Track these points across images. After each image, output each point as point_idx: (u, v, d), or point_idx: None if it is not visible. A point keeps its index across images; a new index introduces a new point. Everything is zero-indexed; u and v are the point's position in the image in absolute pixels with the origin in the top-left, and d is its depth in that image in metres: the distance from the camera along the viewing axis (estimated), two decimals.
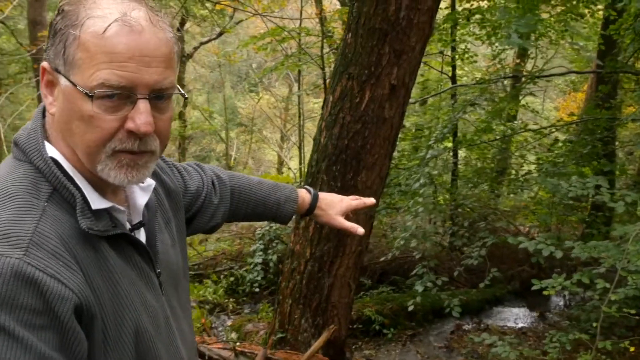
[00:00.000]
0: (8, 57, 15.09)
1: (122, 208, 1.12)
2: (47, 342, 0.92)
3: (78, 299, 0.95)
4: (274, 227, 7.30)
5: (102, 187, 1.10)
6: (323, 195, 1.81)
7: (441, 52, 8.81)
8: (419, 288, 5.39)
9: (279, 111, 25.65)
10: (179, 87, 1.12)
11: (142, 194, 1.22)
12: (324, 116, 4.32)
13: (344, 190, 4.24)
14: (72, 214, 1.03)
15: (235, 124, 27.89)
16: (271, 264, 7.12)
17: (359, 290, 7.25)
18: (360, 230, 1.80)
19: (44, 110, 1.13)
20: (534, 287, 4.04)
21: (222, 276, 7.37)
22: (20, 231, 0.94)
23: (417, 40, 3.93)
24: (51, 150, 1.08)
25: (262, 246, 7.25)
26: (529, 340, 6.53)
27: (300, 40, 10.87)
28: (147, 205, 1.24)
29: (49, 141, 1.10)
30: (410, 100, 4.86)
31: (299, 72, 14.55)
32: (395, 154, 7.69)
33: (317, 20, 11.17)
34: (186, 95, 1.18)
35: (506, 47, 5.75)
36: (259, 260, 7.14)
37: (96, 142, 1.03)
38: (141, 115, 1.02)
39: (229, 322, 6.20)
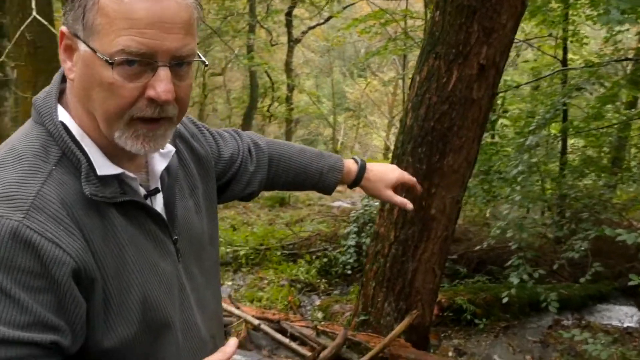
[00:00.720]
0: None
1: (132, 175, 1.10)
2: (44, 304, 0.94)
3: (76, 263, 0.96)
4: (368, 210, 7.26)
5: (116, 153, 1.09)
6: (372, 166, 1.76)
7: (550, 35, 8.37)
8: (514, 280, 5.18)
9: (387, 96, 25.51)
10: (203, 58, 1.10)
11: (161, 160, 1.21)
12: (411, 97, 4.23)
13: (430, 173, 4.16)
14: (79, 179, 1.03)
15: (343, 108, 28.03)
16: (364, 247, 7.10)
17: (453, 278, 7.10)
18: (409, 205, 1.74)
19: (63, 75, 1.12)
20: (630, 282, 3.78)
21: (314, 257, 7.43)
22: (23, 194, 0.96)
23: (508, 18, 3.75)
24: (62, 115, 1.08)
25: (356, 229, 7.23)
26: (635, 342, 6.14)
27: (406, 22, 10.72)
28: (167, 170, 1.23)
29: (64, 106, 1.10)
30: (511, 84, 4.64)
31: (404, 56, 14.37)
32: (497, 139, 7.43)
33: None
34: (207, 62, 1.15)
35: (610, 25, 5.36)
36: (353, 242, 7.13)
37: (116, 109, 1.02)
38: (162, 83, 1.01)
39: (317, 302, 6.25)
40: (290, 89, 19.57)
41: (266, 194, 14.02)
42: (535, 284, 6.00)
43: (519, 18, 3.84)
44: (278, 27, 20.40)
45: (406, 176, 1.81)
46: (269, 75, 19.05)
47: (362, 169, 1.73)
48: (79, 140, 1.06)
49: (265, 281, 6.85)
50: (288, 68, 19.18)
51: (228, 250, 7.72)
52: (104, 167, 1.06)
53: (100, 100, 1.02)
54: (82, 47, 1.02)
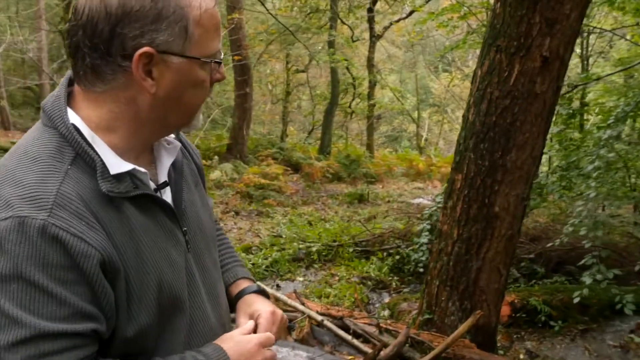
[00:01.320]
0: None
1: (143, 170, 1.17)
2: (80, 295, 1.01)
3: (101, 255, 1.03)
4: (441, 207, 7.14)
5: (125, 151, 1.16)
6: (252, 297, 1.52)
7: (638, 24, 7.95)
8: (587, 279, 4.96)
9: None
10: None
11: (167, 155, 1.28)
12: (472, 91, 4.12)
13: (492, 170, 4.05)
14: (94, 177, 1.10)
15: (427, 104, 27.68)
16: None
17: (530, 278, 6.88)
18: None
19: (70, 79, 1.19)
20: None
21: (387, 254, 7.39)
22: (45, 193, 1.02)
23: (572, 8, 3.58)
24: (73, 117, 1.14)
25: (428, 226, 7.13)
26: None
27: (487, 15, 10.44)
28: (174, 165, 1.30)
29: (74, 108, 1.16)
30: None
31: None
32: (576, 134, 7.13)
33: None
34: None
35: None
36: (425, 240, 7.04)
37: (204, 98, 1.21)
38: (222, 66, 1.22)
39: (386, 300, 6.21)
40: (372, 85, 19.51)
41: (345, 189, 14.06)
42: (616, 285, 5.72)
43: (584, 8, 3.67)
44: (360, 22, 20.37)
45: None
46: (350, 72, 19.05)
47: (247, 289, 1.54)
48: (90, 141, 1.12)
49: (336, 278, 6.87)
50: (370, 64, 19.14)
51: (301, 246, 7.80)
52: (116, 164, 1.13)
53: (194, 97, 1.18)
54: (174, 60, 1.11)
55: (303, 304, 4.98)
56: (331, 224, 9.54)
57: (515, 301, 5.87)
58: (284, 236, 8.55)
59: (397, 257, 7.21)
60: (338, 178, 15.54)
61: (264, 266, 7.10)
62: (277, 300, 5.10)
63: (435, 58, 21.22)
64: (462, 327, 4.30)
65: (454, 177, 4.34)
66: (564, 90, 7.01)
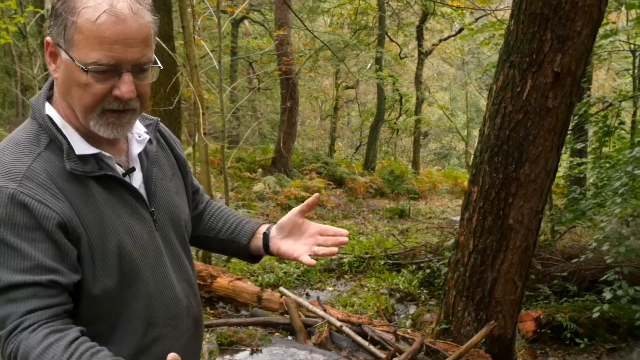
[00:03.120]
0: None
1: (108, 154, 1.38)
2: (41, 251, 1.24)
3: (61, 218, 1.26)
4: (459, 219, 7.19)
5: (96, 138, 1.37)
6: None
7: None
8: (607, 295, 4.96)
9: None
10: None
11: (137, 145, 1.50)
12: (488, 106, 4.23)
13: (506, 182, 4.14)
14: (63, 159, 1.32)
15: (477, 122, 27.48)
16: None
17: (562, 296, 6.84)
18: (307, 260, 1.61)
19: (52, 81, 1.43)
20: None
21: (416, 267, 7.46)
22: (17, 168, 1.27)
23: (583, 25, 3.67)
24: (49, 110, 1.38)
25: None
26: None
27: None
28: (146, 154, 1.51)
29: (51, 102, 1.40)
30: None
31: None
32: (606, 149, 7.09)
33: None
34: (161, 67, 1.42)
35: None
36: None
37: (90, 104, 1.32)
38: (125, 85, 1.30)
39: (411, 311, 6.29)
40: (419, 101, 19.57)
41: (388, 205, 14.13)
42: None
43: (595, 25, 3.74)
44: (409, 40, 20.48)
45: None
46: (396, 88, 19.16)
47: (270, 227, 1.73)
48: (61, 129, 1.35)
49: (365, 289, 6.98)
50: (417, 80, 19.21)
51: (333, 257, 7.94)
52: (82, 148, 1.35)
53: (78, 97, 1.31)
54: (63, 54, 1.31)
55: (325, 310, 5.13)
56: (367, 238, 9.65)
57: (541, 317, 5.86)
58: None
59: (428, 270, 7.27)
60: (381, 193, 15.63)
61: (295, 275, 7.27)
62: (299, 306, 5.27)
63: (476, 76, 21.06)
64: (476, 337, 4.37)
65: (470, 189, 4.44)
66: (599, 107, 6.99)
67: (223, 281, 5.96)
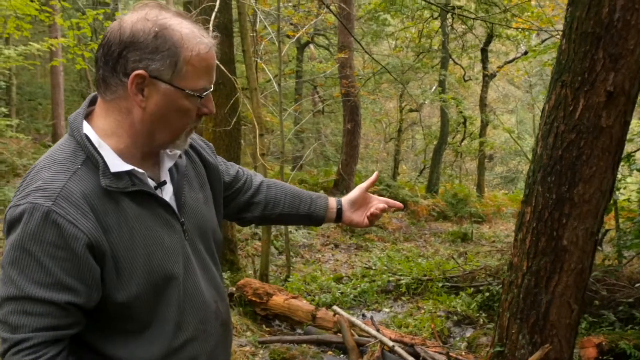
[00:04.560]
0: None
1: (141, 171, 1.48)
2: (64, 269, 1.34)
3: (89, 239, 1.35)
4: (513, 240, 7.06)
5: (127, 154, 1.47)
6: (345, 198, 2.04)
7: None
8: None
9: None
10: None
11: (168, 160, 1.60)
12: (541, 125, 4.20)
13: (560, 203, 4.08)
14: (98, 175, 1.42)
15: None
16: None
17: (628, 323, 6.61)
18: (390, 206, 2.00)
19: (91, 100, 1.54)
20: None
21: (475, 290, 7.36)
22: (54, 187, 1.36)
23: (636, 44, 3.61)
24: (86, 128, 1.47)
25: None
26: None
27: None
28: (176, 168, 1.62)
29: (90, 122, 1.49)
30: None
31: None
32: None
33: None
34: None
35: None
36: None
37: (186, 126, 1.50)
38: (211, 103, 1.53)
39: (468, 334, 6.21)
40: (484, 124, 19.34)
41: (450, 228, 13.99)
42: None
43: None
44: (473, 62, 20.33)
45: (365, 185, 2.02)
46: (460, 111, 19.01)
47: (340, 200, 2.01)
48: (97, 147, 1.45)
49: (422, 311, 6.94)
50: (482, 103, 19.01)
51: (391, 278, 7.94)
52: (117, 165, 1.44)
53: (176, 121, 1.47)
54: (162, 85, 1.42)
55: (378, 330, 5.14)
56: (427, 260, 9.58)
57: (603, 343, 5.68)
58: (374, 268, 8.71)
59: (487, 294, 7.16)
60: (444, 217, 15.48)
61: (352, 295, 7.30)
62: (352, 325, 5.30)
63: (542, 98, 20.65)
64: None
65: (524, 209, 4.39)
66: None
67: (279, 299, 6.05)
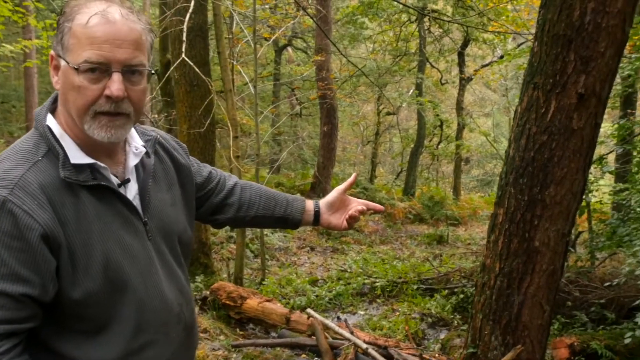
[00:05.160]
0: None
1: (103, 165, 1.44)
2: (21, 260, 1.30)
3: (44, 230, 1.31)
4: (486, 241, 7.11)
5: (93, 150, 1.45)
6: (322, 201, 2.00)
7: None
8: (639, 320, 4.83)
9: None
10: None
11: (134, 158, 1.56)
12: (513, 127, 4.22)
13: (532, 204, 4.10)
14: (58, 168, 1.39)
15: None
16: None
17: (599, 323, 6.67)
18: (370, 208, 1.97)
19: (57, 94, 1.51)
20: None
21: (450, 292, 7.38)
22: (11, 177, 1.33)
23: (607, 46, 3.64)
24: (50, 120, 1.45)
25: None
26: None
27: None
28: (143, 167, 1.57)
29: (55, 116, 1.48)
30: None
31: None
32: None
33: None
34: (153, 72, 1.50)
35: None
36: None
37: (83, 105, 1.38)
38: (114, 84, 1.37)
39: (442, 336, 6.22)
40: (461, 127, 19.46)
41: (426, 230, 14.04)
42: None
43: (620, 47, 3.70)
44: (450, 66, 20.46)
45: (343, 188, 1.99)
46: (437, 114, 19.12)
47: (317, 203, 1.97)
48: (58, 138, 1.42)
49: (397, 313, 6.94)
50: (459, 106, 19.13)
51: (366, 281, 7.93)
52: (78, 157, 1.42)
53: (73, 100, 1.39)
54: (62, 63, 1.40)
55: (351, 332, 5.13)
56: (403, 263, 9.60)
57: (575, 344, 5.72)
58: (350, 270, 8.71)
59: (462, 295, 7.19)
60: (420, 219, 15.54)
61: (327, 298, 7.28)
62: (326, 328, 5.28)
63: (513, 101, 20.85)
64: None
65: (496, 211, 4.40)
66: (637, 131, 6.87)
67: (253, 302, 6.01)
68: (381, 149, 25.05)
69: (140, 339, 1.47)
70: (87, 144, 1.44)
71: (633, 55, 6.94)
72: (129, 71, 1.39)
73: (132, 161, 1.55)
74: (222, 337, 5.52)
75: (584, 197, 4.58)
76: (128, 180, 1.52)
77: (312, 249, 10.95)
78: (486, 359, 4.56)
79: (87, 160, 1.42)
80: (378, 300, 7.58)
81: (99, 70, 1.36)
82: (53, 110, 1.49)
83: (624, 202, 7.32)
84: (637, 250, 4.93)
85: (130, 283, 1.44)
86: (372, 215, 14.60)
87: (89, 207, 1.40)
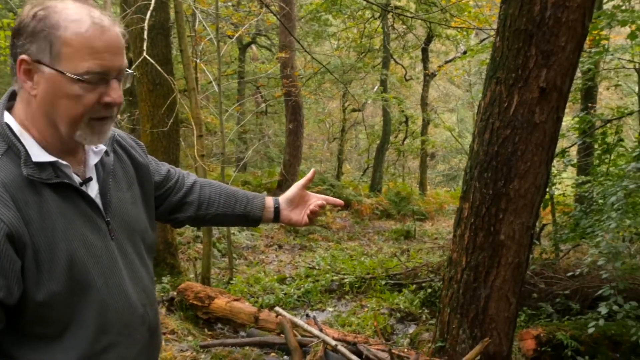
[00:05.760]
0: None
1: (65, 163, 1.41)
2: None
3: (9, 228, 1.27)
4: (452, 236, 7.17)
5: (55, 148, 1.42)
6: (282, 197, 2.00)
7: None
8: (603, 310, 4.92)
9: None
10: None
11: (94, 156, 1.53)
12: (477, 122, 4.25)
13: (496, 198, 4.14)
14: (20, 166, 1.35)
15: None
16: None
17: (565, 314, 6.78)
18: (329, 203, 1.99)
19: (12, 92, 1.47)
20: None
21: (418, 287, 7.43)
22: None
23: (567, 40, 3.69)
24: (8, 118, 1.41)
25: None
26: None
27: None
28: (103, 166, 1.54)
29: (12, 113, 1.43)
30: None
31: None
32: (607, 166, 7.06)
33: None
34: (134, 73, 1.48)
35: None
36: None
37: (80, 114, 1.38)
38: (115, 91, 1.40)
39: (411, 331, 6.25)
40: (426, 123, 19.61)
41: (393, 226, 14.11)
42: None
43: (580, 41, 3.76)
44: (414, 62, 20.58)
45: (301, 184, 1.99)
46: (402, 110, 19.23)
47: (277, 200, 1.98)
48: (18, 136, 1.39)
49: (366, 309, 6.95)
50: (424, 102, 19.27)
51: (334, 278, 7.93)
52: (40, 155, 1.38)
53: (66, 108, 1.37)
54: (46, 70, 1.35)
55: (320, 329, 5.11)
56: (371, 259, 9.63)
57: (541, 335, 5.79)
58: (318, 267, 8.71)
59: (429, 290, 7.23)
60: (387, 215, 15.60)
61: (295, 296, 7.26)
62: (295, 326, 5.25)
63: (476, 97, 21.13)
64: (470, 355, 4.34)
65: (462, 206, 4.44)
66: (598, 124, 6.99)
67: (221, 302, 5.96)
68: (347, 145, 25.11)
69: (102, 341, 1.43)
70: (50, 143, 1.41)
71: (592, 50, 7.06)
72: (121, 77, 1.42)
73: (93, 160, 1.52)
74: (190, 338, 5.46)
75: (547, 190, 4.65)
76: (90, 179, 1.50)
77: (280, 246, 10.92)
78: (454, 352, 4.60)
79: (49, 158, 1.39)
80: (347, 297, 7.59)
81: (99, 80, 1.37)
82: (9, 108, 1.45)
83: (586, 195, 7.46)
84: (599, 241, 5.01)
85: (93, 283, 1.41)
86: (340, 212, 14.63)
87: (53, 205, 1.37)
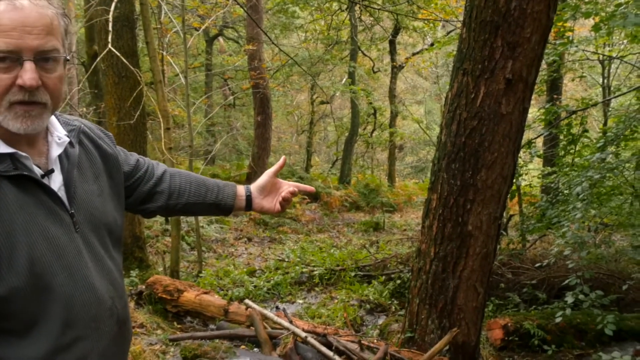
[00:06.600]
0: None
1: (24, 154, 1.38)
2: None
3: None
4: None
5: (13, 140, 1.38)
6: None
7: None
8: (569, 299, 5.00)
9: None
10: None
11: (57, 148, 1.49)
12: (444, 114, 4.27)
13: (464, 189, 4.17)
14: None
15: None
16: None
17: (531, 304, 6.88)
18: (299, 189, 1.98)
19: None
20: None
21: (387, 278, 7.46)
22: None
23: (532, 32, 3.73)
24: None
25: None
26: None
27: None
28: (67, 157, 1.51)
29: None
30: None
31: None
32: (572, 157, 7.17)
33: None
34: (69, 58, 1.43)
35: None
36: None
37: None
38: (27, 73, 1.31)
39: (381, 322, 6.28)
40: (394, 115, 19.69)
41: (363, 218, 14.17)
42: (618, 311, 5.66)
43: (545, 32, 3.80)
44: (382, 54, 20.64)
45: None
46: (370, 102, 19.28)
47: (248, 188, 1.96)
48: None
49: (335, 300, 6.97)
50: (391, 94, 19.34)
51: (304, 270, 7.93)
52: None
53: None
54: None
55: (290, 321, 5.11)
56: (340, 251, 9.65)
57: (509, 324, 5.87)
58: (287, 260, 8.70)
59: (399, 281, 7.27)
60: (356, 207, 15.66)
61: (265, 288, 7.24)
62: (265, 318, 5.24)
63: (444, 88, 21.29)
64: (439, 345, 4.38)
65: (430, 197, 4.46)
66: (563, 115, 7.09)
67: (190, 295, 5.92)
68: (316, 138, 25.12)
69: (69, 334, 1.40)
70: (5, 134, 1.37)
71: (557, 42, 7.15)
72: (42, 58, 1.34)
73: (55, 151, 1.48)
74: (159, 332, 5.41)
75: (514, 180, 4.70)
76: (52, 171, 1.46)
77: (250, 239, 10.89)
78: (423, 342, 4.64)
79: (7, 149, 1.35)
80: (316, 289, 7.59)
81: (10, 59, 1.30)
82: None
83: (552, 185, 7.57)
84: (565, 231, 5.09)
85: (57, 277, 1.38)
86: (309, 204, 14.63)
87: (11, 198, 1.33)
